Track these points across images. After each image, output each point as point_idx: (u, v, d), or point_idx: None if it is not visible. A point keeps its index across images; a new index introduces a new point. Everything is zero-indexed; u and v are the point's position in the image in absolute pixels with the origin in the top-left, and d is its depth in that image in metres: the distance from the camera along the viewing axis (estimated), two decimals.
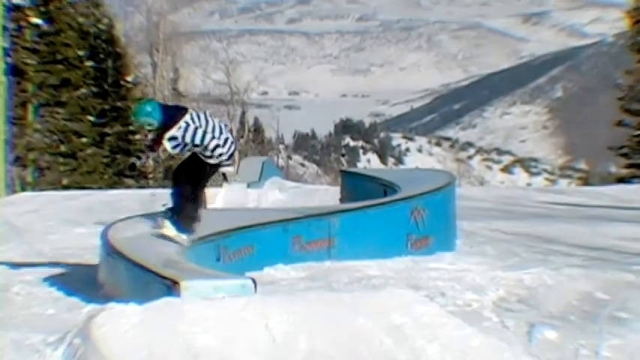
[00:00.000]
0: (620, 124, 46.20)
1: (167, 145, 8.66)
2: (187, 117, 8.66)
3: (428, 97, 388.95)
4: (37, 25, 43.77)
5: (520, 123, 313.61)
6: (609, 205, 19.80)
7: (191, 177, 9.05)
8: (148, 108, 8.71)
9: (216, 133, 8.77)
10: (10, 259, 10.68)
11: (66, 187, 39.91)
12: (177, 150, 8.80)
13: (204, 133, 8.67)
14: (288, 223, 9.50)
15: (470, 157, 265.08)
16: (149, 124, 8.69)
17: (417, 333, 4.69)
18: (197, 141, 8.61)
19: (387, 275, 8.39)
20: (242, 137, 70.48)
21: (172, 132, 8.57)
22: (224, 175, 8.70)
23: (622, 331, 5.82)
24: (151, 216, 9.13)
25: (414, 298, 5.28)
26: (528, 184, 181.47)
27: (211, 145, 8.69)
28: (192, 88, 68.01)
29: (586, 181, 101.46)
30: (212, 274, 6.48)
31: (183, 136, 8.59)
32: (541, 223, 14.53)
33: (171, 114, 8.77)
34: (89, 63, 47.98)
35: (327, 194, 22.46)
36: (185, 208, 8.82)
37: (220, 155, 8.78)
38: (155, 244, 7.64)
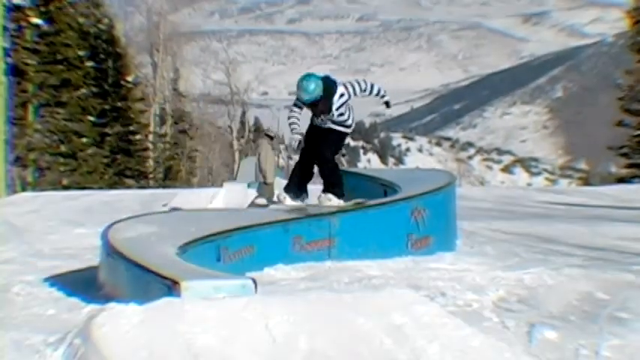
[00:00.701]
0: (620, 124, 46.28)
1: (336, 105, 10.07)
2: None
3: (428, 97, 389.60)
4: (37, 26, 43.84)
5: (520, 123, 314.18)
6: (609, 205, 19.82)
7: (333, 151, 10.63)
8: (313, 80, 9.93)
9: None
10: (10, 259, 10.68)
11: (66, 188, 40.03)
12: (343, 107, 10.21)
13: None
14: (289, 223, 9.50)
15: (470, 157, 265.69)
16: (319, 93, 9.89)
17: (417, 333, 4.69)
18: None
19: (387, 275, 8.39)
20: (242, 137, 70.53)
21: (339, 91, 10.05)
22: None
23: (622, 331, 5.81)
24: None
25: (415, 298, 5.28)
26: (529, 184, 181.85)
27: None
28: (193, 88, 68.27)
29: (586, 181, 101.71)
30: (212, 274, 6.48)
31: (348, 91, 10.14)
32: (541, 223, 14.54)
33: (328, 80, 10.09)
34: (89, 63, 48.09)
35: None
36: (339, 177, 10.63)
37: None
38: (155, 244, 7.63)
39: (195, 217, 9.71)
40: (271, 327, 4.56)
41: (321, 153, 10.52)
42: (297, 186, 10.73)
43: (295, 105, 10.15)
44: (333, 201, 10.27)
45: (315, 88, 9.84)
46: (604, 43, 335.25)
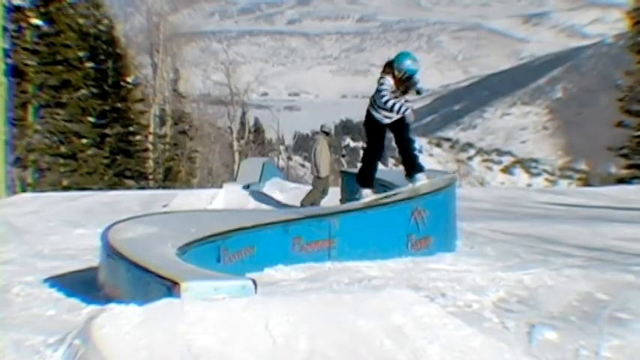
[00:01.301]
0: (620, 124, 46.24)
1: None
2: None
3: (428, 97, 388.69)
4: (37, 26, 43.80)
5: (520, 124, 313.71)
6: (609, 205, 19.80)
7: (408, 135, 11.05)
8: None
9: None
10: (10, 260, 10.68)
11: (66, 188, 39.95)
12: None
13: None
14: (289, 223, 9.50)
15: (470, 158, 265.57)
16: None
17: (417, 334, 4.69)
18: None
19: (387, 276, 8.38)
20: (242, 138, 70.54)
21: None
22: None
23: (622, 331, 5.82)
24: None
25: (415, 298, 5.29)
26: (528, 185, 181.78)
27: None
28: (193, 88, 68.23)
29: (586, 182, 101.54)
30: (212, 274, 6.48)
31: None
32: (541, 224, 14.53)
33: None
34: (89, 64, 48.05)
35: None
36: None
37: None
38: (155, 245, 7.63)
39: (195, 218, 9.71)
40: (271, 328, 4.56)
41: (405, 138, 11.04)
42: (372, 180, 11.29)
43: (386, 90, 10.47)
44: (425, 179, 10.93)
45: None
46: (604, 44, 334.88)
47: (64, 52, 44.65)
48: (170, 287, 5.77)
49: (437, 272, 8.59)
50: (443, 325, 4.88)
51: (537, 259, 9.64)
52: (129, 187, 46.55)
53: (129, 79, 52.98)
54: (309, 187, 20.25)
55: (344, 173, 15.49)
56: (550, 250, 10.50)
